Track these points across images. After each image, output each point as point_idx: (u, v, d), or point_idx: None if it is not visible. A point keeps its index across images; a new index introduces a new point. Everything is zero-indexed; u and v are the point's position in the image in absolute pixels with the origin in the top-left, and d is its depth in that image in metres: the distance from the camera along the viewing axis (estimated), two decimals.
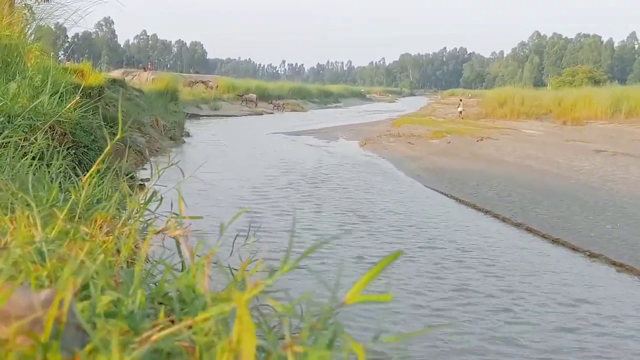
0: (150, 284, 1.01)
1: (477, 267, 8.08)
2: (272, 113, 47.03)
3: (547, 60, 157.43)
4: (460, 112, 37.49)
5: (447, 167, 16.97)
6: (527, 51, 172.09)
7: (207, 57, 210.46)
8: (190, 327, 0.64)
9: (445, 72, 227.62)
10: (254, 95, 48.68)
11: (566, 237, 9.61)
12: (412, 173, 16.25)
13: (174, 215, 1.26)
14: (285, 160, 18.35)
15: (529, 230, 10.23)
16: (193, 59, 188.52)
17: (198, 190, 11.25)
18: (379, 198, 12.70)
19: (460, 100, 43.44)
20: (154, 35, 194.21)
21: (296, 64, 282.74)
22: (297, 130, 30.76)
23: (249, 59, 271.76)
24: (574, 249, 9.08)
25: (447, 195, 13.20)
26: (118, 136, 1.15)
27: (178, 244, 1.12)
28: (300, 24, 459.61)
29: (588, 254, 8.80)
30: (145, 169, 11.70)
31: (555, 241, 9.51)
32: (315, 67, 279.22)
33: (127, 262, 1.08)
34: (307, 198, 12.35)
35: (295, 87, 69.99)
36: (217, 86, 48.99)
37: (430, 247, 8.96)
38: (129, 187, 1.53)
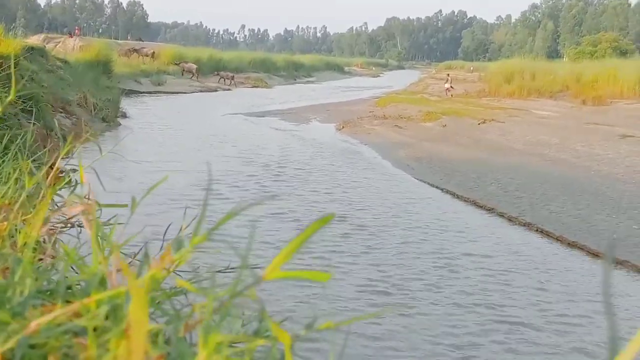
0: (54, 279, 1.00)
1: (475, 276, 8.18)
2: (229, 89, 46.77)
3: (564, 27, 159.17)
4: (448, 89, 37.48)
5: (443, 155, 17.10)
6: (539, 15, 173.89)
7: (149, 21, 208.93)
8: (79, 315, 0.63)
9: (441, 41, 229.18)
10: (194, 66, 47.63)
11: (585, 239, 9.71)
12: (400, 163, 16.34)
13: (90, 201, 1.24)
14: (246, 148, 18.28)
15: (540, 231, 10.34)
16: (131, 22, 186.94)
17: (133, 188, 11.13)
18: (365, 195, 12.75)
19: (448, 75, 43.75)
20: None
21: (259, 29, 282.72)
22: (260, 110, 30.70)
23: (201, 22, 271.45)
24: (594, 254, 9.16)
25: (442, 190, 13.30)
26: (11, 97, 1.13)
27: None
28: None
29: None
30: (71, 157, 11.53)
31: (572, 245, 9.62)
32: (283, 33, 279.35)
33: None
34: (272, 196, 12.33)
35: (257, 58, 69.87)
36: (153, 53, 47.77)
37: (442, 266, 9.02)
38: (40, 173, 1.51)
